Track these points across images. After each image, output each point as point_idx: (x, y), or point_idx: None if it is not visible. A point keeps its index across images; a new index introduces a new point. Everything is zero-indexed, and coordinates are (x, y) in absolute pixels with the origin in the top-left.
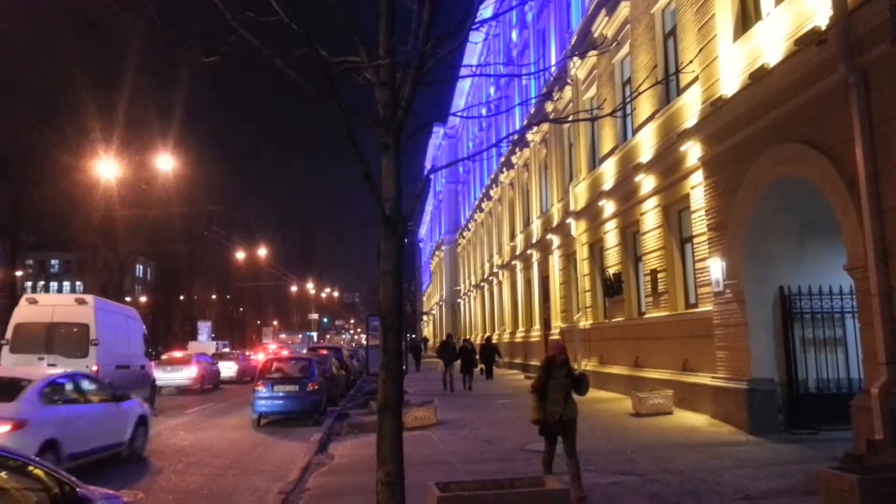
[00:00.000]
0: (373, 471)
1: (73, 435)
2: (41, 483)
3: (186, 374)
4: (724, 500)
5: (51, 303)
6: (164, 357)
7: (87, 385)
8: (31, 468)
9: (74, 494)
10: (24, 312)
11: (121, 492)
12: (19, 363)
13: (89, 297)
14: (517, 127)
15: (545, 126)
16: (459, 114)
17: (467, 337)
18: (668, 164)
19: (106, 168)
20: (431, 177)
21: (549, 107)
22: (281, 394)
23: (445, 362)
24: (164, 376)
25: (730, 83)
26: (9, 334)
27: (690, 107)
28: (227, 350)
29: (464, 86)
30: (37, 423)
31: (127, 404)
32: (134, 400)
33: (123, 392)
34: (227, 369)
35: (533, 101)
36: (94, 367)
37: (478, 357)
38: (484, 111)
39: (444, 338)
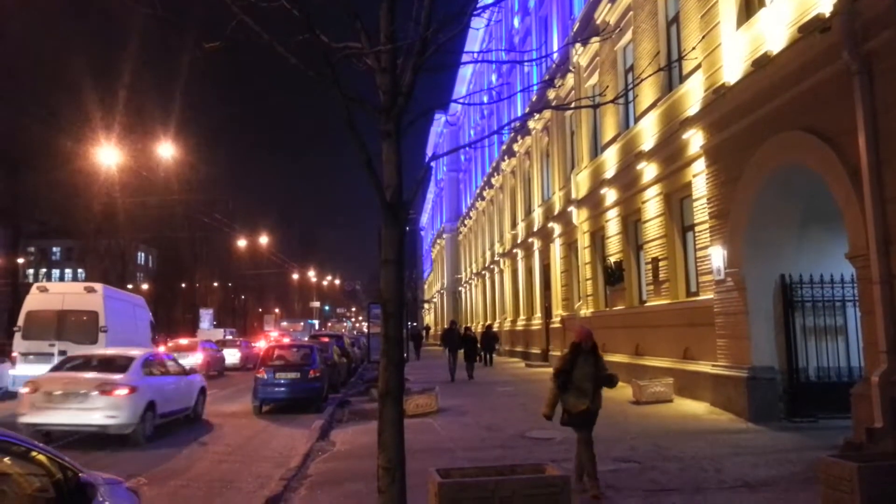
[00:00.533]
0: (374, 457)
1: (163, 399)
2: (44, 468)
3: (192, 361)
4: (724, 487)
5: (61, 291)
6: (170, 344)
7: (167, 361)
8: (34, 453)
9: (77, 479)
10: (35, 300)
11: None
12: (31, 349)
13: (98, 286)
14: (519, 114)
15: (547, 113)
16: (461, 101)
17: (468, 325)
18: (670, 152)
19: (107, 155)
20: (433, 164)
21: (551, 94)
22: (283, 381)
23: (450, 350)
24: None
25: (733, 71)
26: (21, 321)
27: (693, 94)
28: (231, 338)
29: (465, 73)
30: (143, 388)
31: (193, 377)
32: (197, 374)
33: (191, 368)
34: (231, 356)
35: (535, 88)
36: None
37: (479, 345)
38: (485, 98)
39: (448, 325)
